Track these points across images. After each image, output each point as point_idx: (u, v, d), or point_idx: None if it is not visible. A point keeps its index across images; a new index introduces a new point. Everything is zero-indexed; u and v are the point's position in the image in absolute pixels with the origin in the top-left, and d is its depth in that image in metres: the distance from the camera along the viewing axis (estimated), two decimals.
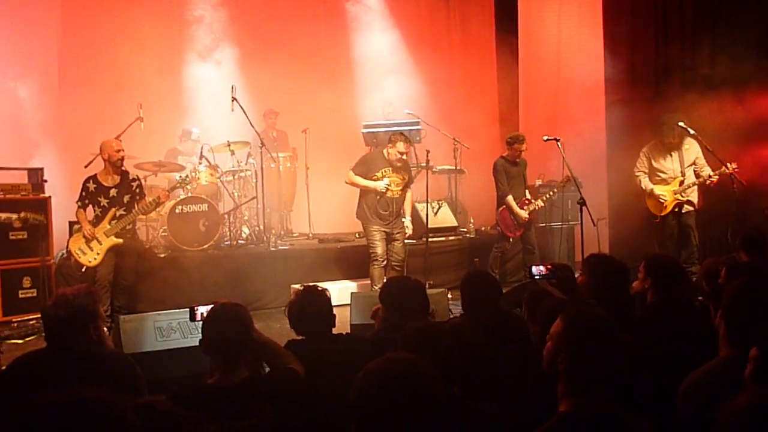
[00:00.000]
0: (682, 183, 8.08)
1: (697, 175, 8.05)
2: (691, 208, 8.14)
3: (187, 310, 4.74)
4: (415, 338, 2.88)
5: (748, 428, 1.86)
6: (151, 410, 2.14)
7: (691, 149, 8.07)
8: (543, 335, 3.19)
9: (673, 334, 3.62)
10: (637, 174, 8.31)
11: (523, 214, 8.21)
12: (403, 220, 7.55)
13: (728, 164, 7.74)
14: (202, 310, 3.27)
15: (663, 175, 8.19)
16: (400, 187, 7.43)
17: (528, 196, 8.37)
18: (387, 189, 7.31)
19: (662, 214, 8.18)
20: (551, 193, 8.34)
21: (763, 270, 4.53)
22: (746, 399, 1.92)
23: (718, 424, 1.93)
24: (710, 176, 7.89)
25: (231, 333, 2.93)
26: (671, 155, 8.15)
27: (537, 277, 4.01)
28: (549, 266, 4.01)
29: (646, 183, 8.24)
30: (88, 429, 1.49)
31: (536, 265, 4.11)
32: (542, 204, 8.34)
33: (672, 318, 3.76)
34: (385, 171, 7.37)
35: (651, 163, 8.23)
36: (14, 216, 6.95)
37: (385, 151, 7.42)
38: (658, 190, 8.14)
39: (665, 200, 8.09)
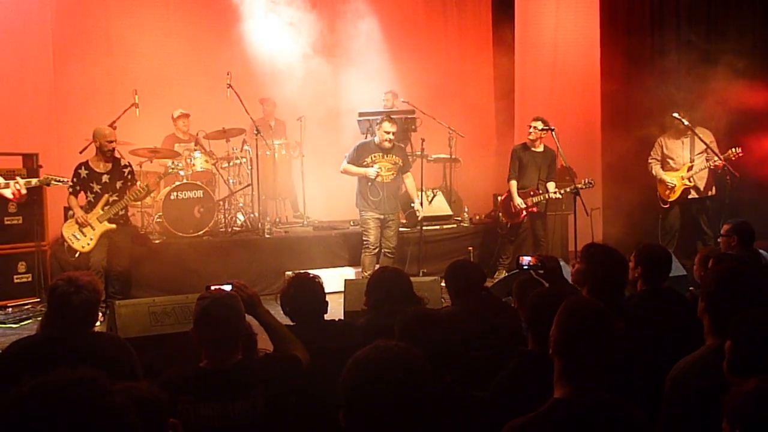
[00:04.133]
0: (690, 169, 8.21)
1: (707, 161, 8.17)
2: (697, 195, 8.27)
3: (183, 296, 4.80)
4: (412, 324, 2.92)
5: (754, 414, 1.92)
6: (132, 395, 2.15)
7: (704, 138, 8.15)
8: (529, 323, 3.24)
9: (662, 322, 3.66)
10: (650, 162, 8.54)
11: (517, 200, 8.23)
12: (412, 204, 7.75)
13: (732, 149, 7.92)
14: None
15: (672, 162, 8.41)
16: (392, 172, 7.49)
17: (551, 189, 8.14)
18: (377, 174, 7.40)
19: (671, 199, 8.36)
20: (568, 189, 8.21)
21: (748, 261, 4.59)
22: (753, 385, 1.98)
23: (726, 409, 1.99)
24: (715, 161, 7.98)
25: (223, 327, 2.94)
26: (683, 143, 8.32)
27: (525, 267, 4.06)
28: (537, 257, 4.05)
29: (657, 170, 8.47)
30: (79, 410, 1.51)
31: (524, 255, 4.15)
32: (559, 196, 8.17)
33: (662, 307, 3.80)
34: (374, 156, 7.44)
35: (663, 151, 8.39)
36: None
37: (376, 137, 7.53)
38: (667, 176, 8.29)
39: (673, 185, 8.24)
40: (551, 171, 8.32)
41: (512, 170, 8.33)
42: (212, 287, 3.24)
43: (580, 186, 7.73)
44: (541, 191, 8.23)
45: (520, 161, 8.28)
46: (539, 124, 8.07)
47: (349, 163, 7.53)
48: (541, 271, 3.99)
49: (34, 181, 6.35)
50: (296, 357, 3.14)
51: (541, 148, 8.25)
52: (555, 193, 8.13)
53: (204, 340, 2.95)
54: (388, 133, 7.36)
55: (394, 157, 7.50)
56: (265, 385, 2.91)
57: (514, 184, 8.30)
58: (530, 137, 8.19)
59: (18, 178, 6.08)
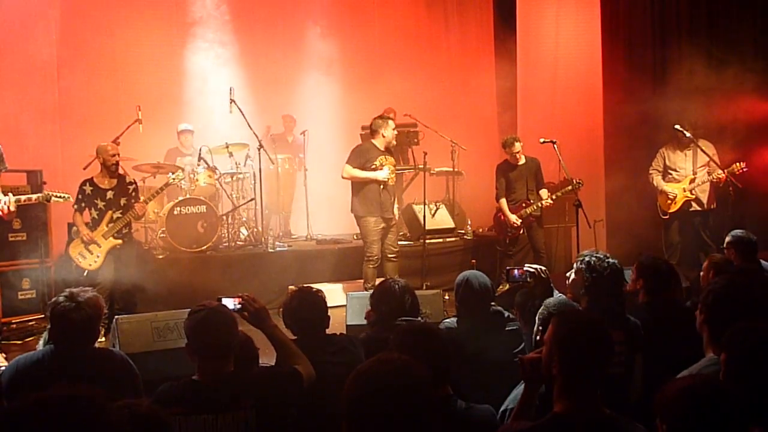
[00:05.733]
0: (692, 181, 8.20)
1: (710, 174, 8.15)
2: (699, 208, 8.24)
3: (185, 311, 4.80)
4: (407, 338, 2.92)
5: (680, 411, 2.01)
6: (132, 412, 2.16)
7: (707, 150, 8.14)
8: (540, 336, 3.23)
9: (664, 334, 3.66)
10: (651, 172, 8.51)
11: (512, 218, 8.20)
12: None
13: (737, 163, 7.90)
14: (226, 302, 3.28)
15: (675, 174, 8.37)
16: (394, 174, 7.39)
17: (544, 197, 8.12)
18: (389, 177, 7.19)
19: (671, 211, 8.34)
20: (555, 197, 8.23)
21: (748, 272, 4.59)
22: (679, 384, 2.10)
23: (656, 407, 2.08)
24: (718, 175, 7.96)
25: (213, 338, 2.95)
26: (686, 155, 8.30)
27: (517, 279, 4.06)
28: (525, 268, 4.05)
29: (658, 181, 8.45)
30: (76, 425, 1.52)
31: (513, 267, 4.16)
32: (551, 202, 8.14)
33: (663, 319, 3.80)
34: (382, 159, 7.20)
35: (665, 162, 8.37)
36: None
37: (377, 140, 7.26)
38: (669, 187, 8.28)
39: (674, 197, 8.22)
40: (539, 179, 8.33)
41: (499, 188, 8.34)
42: (222, 300, 3.26)
43: (569, 189, 7.78)
44: (532, 200, 8.21)
45: (506, 178, 8.29)
46: (520, 146, 8.13)
47: (354, 167, 7.21)
48: (530, 281, 4.00)
49: (34, 197, 6.30)
50: (296, 371, 3.13)
51: (523, 161, 8.24)
52: (548, 199, 8.12)
53: (196, 351, 2.97)
54: (395, 129, 7.28)
55: (392, 159, 7.37)
56: (256, 397, 2.90)
57: (504, 201, 8.30)
58: (513, 158, 8.20)
59: (10, 195, 6.00)
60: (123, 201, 6.85)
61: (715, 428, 1.98)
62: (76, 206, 6.76)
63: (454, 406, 2.82)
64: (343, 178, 7.38)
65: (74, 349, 3.24)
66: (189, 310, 3.11)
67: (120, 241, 6.80)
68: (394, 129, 7.23)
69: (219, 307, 3.05)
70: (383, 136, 7.22)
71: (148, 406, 2.26)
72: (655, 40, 9.85)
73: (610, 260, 3.71)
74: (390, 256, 7.45)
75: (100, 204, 6.77)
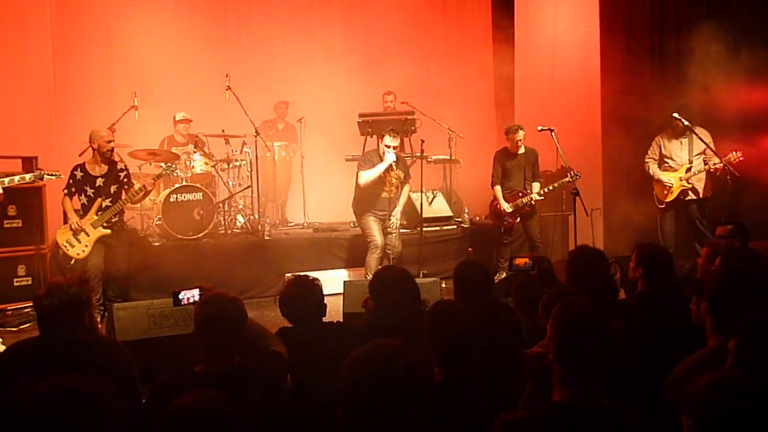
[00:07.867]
0: (689, 170, 8.18)
1: (706, 163, 8.13)
2: (694, 197, 8.23)
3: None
4: (437, 317, 2.95)
5: (706, 406, 1.98)
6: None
7: (704, 138, 8.11)
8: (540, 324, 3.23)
9: (662, 323, 3.65)
10: (647, 161, 8.48)
11: (504, 205, 8.24)
12: (395, 211, 7.52)
13: (733, 152, 7.85)
14: (187, 294, 3.28)
15: (671, 162, 8.33)
16: (395, 187, 7.41)
17: (535, 191, 8.18)
18: (389, 175, 7.25)
19: (667, 200, 8.33)
20: (551, 187, 8.24)
21: (753, 259, 4.56)
22: (707, 379, 2.06)
23: (684, 402, 2.06)
24: (715, 164, 7.94)
25: (227, 331, 2.96)
26: (681, 143, 8.27)
27: (520, 268, 4.05)
28: (528, 258, 4.05)
29: (654, 170, 8.41)
30: (75, 416, 1.50)
31: (516, 256, 4.15)
32: (539, 197, 8.21)
33: (662, 307, 3.79)
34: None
35: (661, 151, 8.35)
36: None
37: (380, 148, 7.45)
38: (665, 176, 8.26)
39: (671, 186, 8.21)
40: (535, 170, 8.37)
41: (495, 176, 8.37)
42: (181, 292, 3.27)
43: (567, 180, 7.79)
44: (528, 191, 8.24)
45: (503, 166, 8.31)
46: (523, 134, 8.13)
47: (366, 170, 7.38)
48: (533, 272, 3.99)
49: (28, 177, 6.21)
50: (280, 353, 3.17)
51: (522, 150, 8.25)
52: (538, 193, 8.17)
53: (206, 343, 2.94)
54: (389, 147, 7.25)
55: (399, 172, 7.39)
56: (260, 387, 2.90)
57: (498, 189, 8.34)
58: (514, 145, 8.20)
59: None
60: (113, 188, 6.75)
61: (744, 422, 1.94)
62: (65, 191, 6.69)
63: (471, 386, 2.83)
64: (361, 185, 7.45)
65: (60, 336, 3.21)
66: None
67: (109, 231, 6.70)
68: (386, 146, 7.26)
69: (231, 300, 3.04)
70: (379, 148, 7.37)
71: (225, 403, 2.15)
72: (653, 28, 9.81)
73: (597, 251, 3.72)
74: (392, 256, 7.49)
75: (89, 191, 6.68)
